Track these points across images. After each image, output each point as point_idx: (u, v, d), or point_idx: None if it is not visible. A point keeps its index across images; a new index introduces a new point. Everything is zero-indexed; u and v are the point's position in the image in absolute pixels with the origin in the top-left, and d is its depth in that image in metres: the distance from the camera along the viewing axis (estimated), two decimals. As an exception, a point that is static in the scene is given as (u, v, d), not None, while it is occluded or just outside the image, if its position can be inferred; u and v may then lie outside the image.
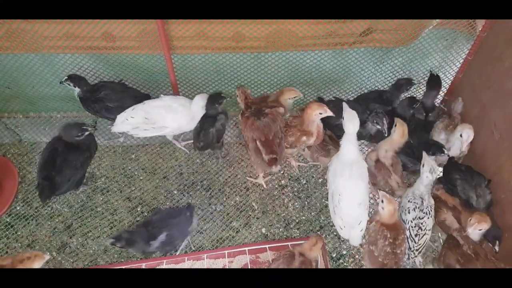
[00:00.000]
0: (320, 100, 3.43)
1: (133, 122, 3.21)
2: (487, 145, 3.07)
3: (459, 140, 3.05)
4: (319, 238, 2.59)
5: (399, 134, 2.97)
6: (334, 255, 3.12)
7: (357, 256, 3.13)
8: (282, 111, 3.25)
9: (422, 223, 2.75)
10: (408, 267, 2.88)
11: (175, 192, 3.41)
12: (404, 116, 3.23)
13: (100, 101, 3.30)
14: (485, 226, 2.57)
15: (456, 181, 2.90)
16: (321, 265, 2.87)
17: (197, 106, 3.22)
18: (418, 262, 2.82)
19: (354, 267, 3.07)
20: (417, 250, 2.76)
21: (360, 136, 3.06)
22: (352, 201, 2.74)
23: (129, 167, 3.56)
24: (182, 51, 3.30)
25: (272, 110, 3.07)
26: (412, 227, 2.76)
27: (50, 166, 2.98)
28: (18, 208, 3.33)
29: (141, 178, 3.50)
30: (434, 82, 3.32)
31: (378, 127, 3.03)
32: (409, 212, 2.80)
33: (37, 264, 2.52)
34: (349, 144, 2.77)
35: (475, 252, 2.46)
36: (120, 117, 3.23)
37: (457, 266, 2.46)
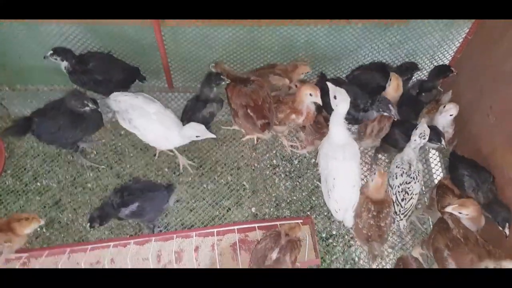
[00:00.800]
0: (322, 76, 3.29)
1: (119, 106, 3.03)
2: (481, 128, 3.00)
3: (439, 112, 3.01)
4: (298, 224, 2.59)
5: (394, 87, 2.97)
6: (323, 235, 3.11)
7: (346, 237, 3.12)
8: (287, 82, 3.14)
9: (409, 188, 2.78)
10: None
11: (166, 170, 3.35)
12: None
13: (89, 73, 3.15)
14: (464, 211, 2.54)
15: (464, 177, 2.81)
16: (309, 245, 2.86)
17: (186, 134, 2.94)
18: (402, 225, 2.85)
19: (343, 247, 3.07)
20: (402, 214, 2.80)
21: (356, 120, 3.01)
22: (347, 184, 2.70)
23: (119, 144, 3.48)
24: (172, 23, 3.14)
25: (258, 78, 2.98)
26: (399, 192, 2.79)
27: (42, 112, 2.96)
28: (7, 183, 3.27)
29: (132, 155, 3.43)
30: (442, 70, 3.24)
31: (386, 114, 2.90)
32: (396, 178, 2.81)
33: (33, 227, 2.63)
34: (338, 126, 2.69)
35: (465, 236, 2.42)
36: (115, 95, 3.05)
37: (446, 251, 2.44)
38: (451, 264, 2.39)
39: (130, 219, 2.93)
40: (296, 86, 3.07)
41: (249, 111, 2.87)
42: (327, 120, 3.10)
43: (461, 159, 2.94)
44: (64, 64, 3.11)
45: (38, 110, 2.99)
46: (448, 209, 2.56)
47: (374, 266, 2.92)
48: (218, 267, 2.78)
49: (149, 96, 3.10)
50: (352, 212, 2.76)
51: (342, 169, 2.69)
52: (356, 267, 3.00)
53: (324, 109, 3.14)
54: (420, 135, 2.75)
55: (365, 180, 3.19)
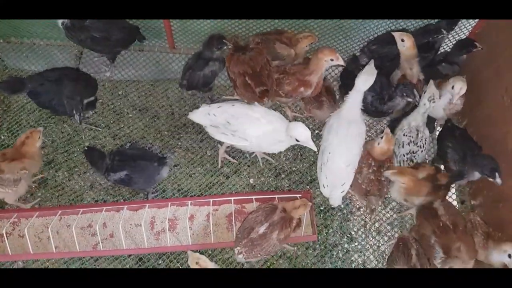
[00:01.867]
0: (354, 58, 3.04)
1: (214, 120, 2.67)
2: (495, 110, 2.78)
3: (449, 93, 2.77)
4: (304, 203, 2.43)
5: (410, 46, 2.75)
6: (322, 208, 2.96)
7: (344, 211, 2.97)
8: (292, 53, 2.92)
9: (414, 156, 2.68)
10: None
11: (166, 133, 3.16)
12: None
13: (86, 30, 2.89)
14: (400, 180, 2.49)
15: (448, 148, 2.70)
16: (306, 220, 2.72)
17: (290, 133, 2.51)
18: None
19: (341, 221, 2.93)
20: None
21: (380, 113, 2.83)
22: (341, 162, 2.54)
23: (118, 104, 3.27)
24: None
25: (257, 45, 2.78)
26: (404, 160, 2.68)
27: (37, 79, 2.77)
28: (2, 137, 3.11)
29: (131, 115, 3.23)
30: (466, 45, 2.95)
31: (410, 99, 2.68)
32: (403, 147, 2.69)
33: (37, 137, 2.62)
34: (354, 102, 2.51)
35: (454, 223, 2.34)
36: (203, 109, 2.71)
37: (433, 237, 2.36)
38: (438, 252, 2.31)
39: (118, 184, 2.78)
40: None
41: (247, 78, 2.67)
42: (328, 89, 2.95)
43: (449, 130, 2.81)
44: (62, 19, 2.85)
45: (34, 77, 2.80)
46: (386, 173, 2.50)
47: (371, 218, 2.90)
48: (211, 237, 2.66)
49: (241, 99, 2.76)
50: (341, 192, 2.62)
51: (341, 147, 2.53)
52: (352, 243, 2.88)
53: (344, 89, 2.91)
54: (429, 98, 2.60)
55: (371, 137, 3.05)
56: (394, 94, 2.72)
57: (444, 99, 2.80)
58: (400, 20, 3.15)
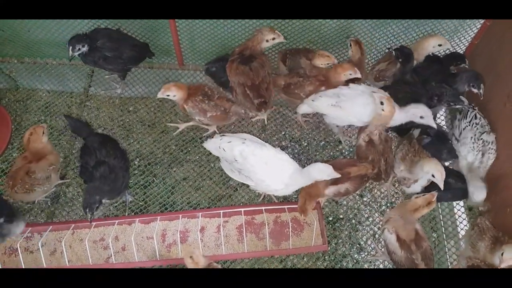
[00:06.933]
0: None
1: (223, 154, 2.56)
2: (498, 117, 2.78)
3: (426, 177, 2.54)
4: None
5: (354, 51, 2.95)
6: (331, 219, 2.93)
7: (353, 221, 2.94)
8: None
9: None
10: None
11: (174, 147, 3.16)
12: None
13: (97, 50, 2.93)
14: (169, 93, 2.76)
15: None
16: (316, 230, 2.70)
17: (310, 176, 2.41)
18: None
19: (350, 232, 2.89)
20: None
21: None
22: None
23: (127, 119, 3.28)
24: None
25: (261, 56, 2.82)
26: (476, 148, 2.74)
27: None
28: (14, 155, 3.10)
29: (140, 131, 3.24)
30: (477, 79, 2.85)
31: (458, 106, 2.73)
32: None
33: (43, 132, 2.66)
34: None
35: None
36: (215, 141, 2.57)
37: None
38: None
39: None
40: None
41: (246, 89, 2.76)
42: None
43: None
44: (84, 49, 2.87)
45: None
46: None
47: None
48: (222, 249, 2.62)
49: (253, 136, 2.61)
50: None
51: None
52: (361, 253, 2.83)
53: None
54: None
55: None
56: (438, 105, 2.72)
57: (422, 182, 2.61)
58: (403, 20, 3.17)
